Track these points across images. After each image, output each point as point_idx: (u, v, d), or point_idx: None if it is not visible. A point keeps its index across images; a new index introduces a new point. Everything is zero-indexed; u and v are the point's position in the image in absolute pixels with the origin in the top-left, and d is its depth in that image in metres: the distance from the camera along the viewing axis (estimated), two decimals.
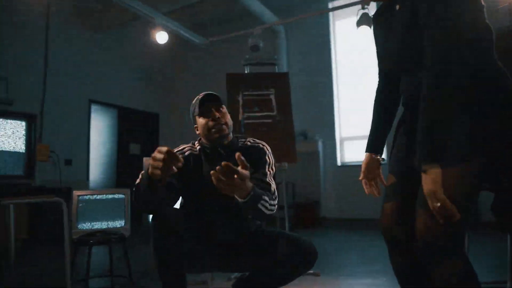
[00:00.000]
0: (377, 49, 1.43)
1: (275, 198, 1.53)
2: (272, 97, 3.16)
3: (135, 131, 7.36)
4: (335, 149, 6.22)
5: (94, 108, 6.55)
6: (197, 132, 1.69)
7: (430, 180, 1.01)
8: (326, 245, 4.38)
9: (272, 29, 6.24)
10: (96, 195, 2.32)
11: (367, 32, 4.45)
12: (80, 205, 2.28)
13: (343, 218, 5.81)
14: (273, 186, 1.57)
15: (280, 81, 3.21)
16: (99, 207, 2.31)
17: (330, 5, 6.35)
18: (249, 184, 1.31)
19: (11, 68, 4.61)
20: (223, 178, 1.19)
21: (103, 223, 2.30)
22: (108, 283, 2.51)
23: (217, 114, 1.60)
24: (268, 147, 1.69)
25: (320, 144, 6.16)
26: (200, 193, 1.57)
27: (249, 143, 1.69)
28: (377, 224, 1.37)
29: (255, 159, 1.61)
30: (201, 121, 1.63)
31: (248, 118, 3.15)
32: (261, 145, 1.68)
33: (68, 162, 5.80)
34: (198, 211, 1.60)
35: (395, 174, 1.34)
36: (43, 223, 4.72)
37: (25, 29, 5.07)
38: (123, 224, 2.33)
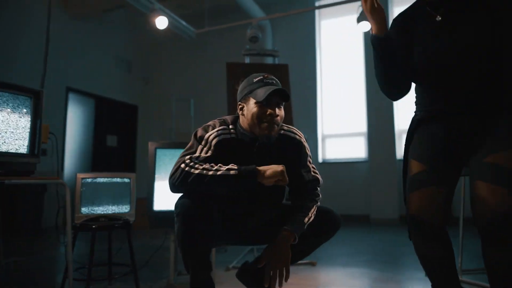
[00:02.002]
0: (418, 48, 1.40)
1: (319, 192, 1.61)
2: None
3: (113, 123, 7.13)
4: (317, 146, 6.30)
5: (71, 96, 6.28)
6: (240, 113, 1.52)
7: None
8: None
9: (258, 24, 6.24)
10: (100, 178, 2.22)
11: (355, 31, 4.56)
12: (83, 188, 2.18)
13: None
14: (320, 178, 1.61)
15: (280, 73, 3.22)
16: (102, 192, 2.21)
17: (317, 4, 6.46)
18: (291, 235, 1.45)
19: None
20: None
21: (107, 208, 2.21)
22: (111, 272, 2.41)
23: (277, 112, 1.46)
24: (302, 135, 1.61)
25: None
26: None
27: (282, 131, 1.57)
28: (360, 220, 1.42)
29: (293, 152, 1.57)
30: (256, 107, 1.44)
31: None
32: (297, 136, 1.59)
33: (43, 152, 5.52)
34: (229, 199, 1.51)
35: (429, 162, 1.38)
36: (18, 212, 4.53)
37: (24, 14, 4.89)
38: (128, 209, 2.25)
